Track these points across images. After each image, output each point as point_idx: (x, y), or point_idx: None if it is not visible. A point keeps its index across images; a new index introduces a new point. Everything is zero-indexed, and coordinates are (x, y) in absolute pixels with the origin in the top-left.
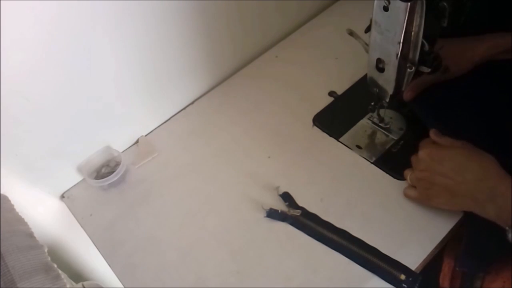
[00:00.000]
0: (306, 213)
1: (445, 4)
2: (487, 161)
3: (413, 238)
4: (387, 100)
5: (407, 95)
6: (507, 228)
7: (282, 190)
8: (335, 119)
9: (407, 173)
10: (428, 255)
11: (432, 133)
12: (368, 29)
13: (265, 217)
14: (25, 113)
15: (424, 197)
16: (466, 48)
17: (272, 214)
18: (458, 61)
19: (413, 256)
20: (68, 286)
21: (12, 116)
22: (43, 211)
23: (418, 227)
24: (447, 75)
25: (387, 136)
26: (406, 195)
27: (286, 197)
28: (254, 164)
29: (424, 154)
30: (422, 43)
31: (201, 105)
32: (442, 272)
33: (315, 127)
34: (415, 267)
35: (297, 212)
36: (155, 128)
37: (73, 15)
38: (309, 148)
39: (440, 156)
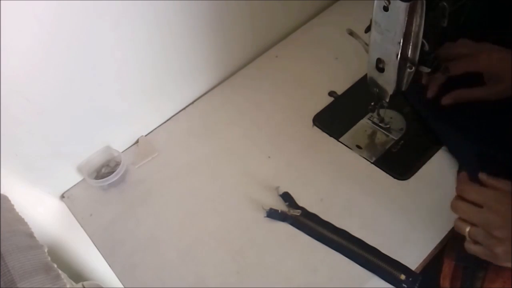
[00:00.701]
0: (306, 213)
1: (445, 4)
2: None
3: (413, 238)
4: (387, 100)
5: (445, 100)
6: None
7: (282, 190)
8: (335, 119)
9: (464, 227)
10: (428, 255)
11: (482, 176)
12: (368, 29)
13: (265, 217)
14: (25, 113)
15: (492, 257)
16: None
17: (272, 214)
18: (507, 74)
19: (413, 256)
20: (68, 286)
21: (12, 116)
22: (43, 211)
23: (418, 227)
24: (497, 92)
25: (387, 136)
26: (473, 252)
27: (286, 197)
28: (254, 164)
29: (501, 206)
30: (422, 43)
31: (201, 105)
32: (442, 272)
33: (315, 127)
34: (415, 267)
35: (297, 212)
36: (155, 128)
37: (73, 15)
38: (309, 148)
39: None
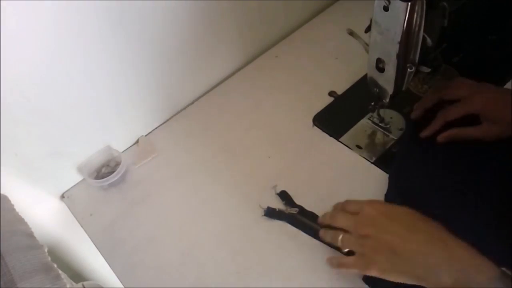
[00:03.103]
0: (303, 211)
1: (445, 4)
2: (435, 224)
3: None
4: (387, 100)
5: (440, 139)
6: None
7: (281, 189)
8: (335, 119)
9: (336, 235)
10: None
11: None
12: (368, 29)
13: (263, 215)
14: (25, 113)
15: (361, 263)
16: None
17: (270, 212)
18: (503, 115)
19: None
20: (68, 286)
21: (12, 116)
22: (43, 211)
23: None
24: (493, 133)
25: (387, 136)
26: (345, 264)
27: (283, 195)
28: (254, 164)
29: (371, 208)
30: (424, 39)
31: (201, 105)
32: None
33: (315, 127)
34: None
35: (294, 210)
36: (155, 128)
37: (73, 15)
38: (309, 148)
39: (389, 211)
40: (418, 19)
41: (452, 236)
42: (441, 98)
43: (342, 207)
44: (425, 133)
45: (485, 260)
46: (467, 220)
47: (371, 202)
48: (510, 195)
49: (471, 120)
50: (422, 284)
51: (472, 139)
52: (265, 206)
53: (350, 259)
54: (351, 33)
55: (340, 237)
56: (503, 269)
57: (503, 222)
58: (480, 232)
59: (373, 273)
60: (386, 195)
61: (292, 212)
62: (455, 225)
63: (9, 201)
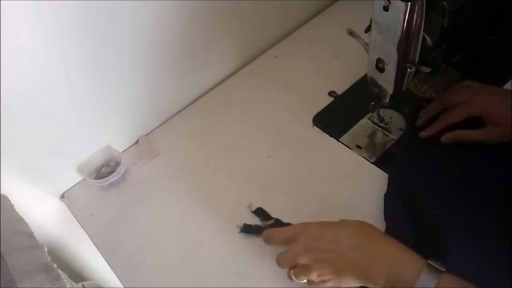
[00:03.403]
0: (279, 223)
1: (445, 4)
2: (359, 227)
3: None
4: (387, 100)
5: (444, 139)
6: None
7: (257, 206)
8: (335, 119)
9: (290, 274)
10: None
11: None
12: (368, 29)
13: (239, 232)
14: (25, 113)
15: (312, 275)
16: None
17: (247, 229)
18: (505, 117)
19: None
20: (68, 286)
21: (12, 116)
22: (43, 211)
23: None
24: (496, 136)
25: (387, 136)
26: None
27: (259, 213)
28: (254, 164)
29: (301, 235)
30: (424, 39)
31: (201, 105)
32: None
33: (315, 127)
34: None
35: (271, 221)
36: (155, 128)
37: (72, 15)
38: (309, 148)
39: (316, 230)
40: (418, 19)
41: (380, 235)
42: (444, 105)
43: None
44: (425, 134)
45: (412, 255)
46: (466, 220)
47: (292, 231)
48: (510, 197)
49: (474, 123)
50: (366, 285)
51: (475, 141)
52: (241, 224)
53: (301, 270)
54: (351, 33)
55: (291, 273)
56: (430, 261)
57: (503, 223)
58: (479, 232)
59: (329, 285)
60: (385, 195)
61: (269, 223)
62: (455, 225)
63: (9, 201)
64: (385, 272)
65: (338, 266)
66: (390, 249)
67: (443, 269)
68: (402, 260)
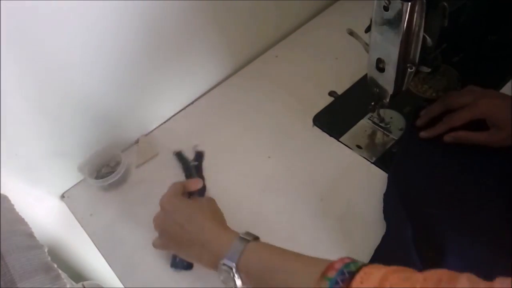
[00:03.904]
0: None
1: (445, 4)
2: (197, 208)
3: None
4: (387, 100)
5: (447, 138)
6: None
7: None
8: (335, 119)
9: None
10: None
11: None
12: (368, 29)
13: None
14: (25, 113)
15: (163, 246)
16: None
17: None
18: (509, 122)
19: None
20: (68, 286)
21: (12, 116)
22: (43, 211)
23: None
24: (499, 139)
25: (387, 136)
26: (156, 246)
27: (199, 156)
28: (254, 164)
29: (164, 203)
30: (425, 39)
31: (201, 105)
32: None
33: (315, 127)
34: None
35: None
36: (155, 128)
37: (72, 14)
38: (309, 148)
39: (176, 206)
40: (418, 19)
41: (208, 220)
42: (447, 107)
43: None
44: (426, 134)
45: (227, 235)
46: (465, 220)
47: (163, 200)
48: (509, 197)
49: (477, 125)
50: (199, 263)
51: (477, 143)
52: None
53: (158, 241)
54: (351, 33)
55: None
56: (242, 234)
57: (502, 223)
58: (478, 232)
59: (171, 251)
60: (385, 195)
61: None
62: (454, 225)
63: (9, 201)
64: (209, 253)
65: (177, 243)
66: (212, 231)
67: (250, 239)
68: (220, 239)
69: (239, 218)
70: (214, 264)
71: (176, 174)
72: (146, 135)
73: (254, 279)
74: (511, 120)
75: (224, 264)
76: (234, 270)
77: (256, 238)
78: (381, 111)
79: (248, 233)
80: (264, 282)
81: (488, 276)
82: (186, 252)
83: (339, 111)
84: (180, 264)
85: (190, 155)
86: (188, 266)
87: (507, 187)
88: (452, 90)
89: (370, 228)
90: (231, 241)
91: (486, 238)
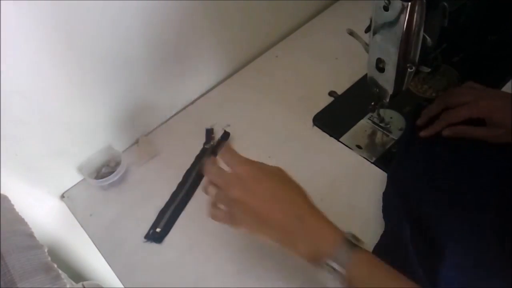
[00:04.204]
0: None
1: (445, 4)
2: (298, 191)
3: None
4: (387, 100)
5: (446, 132)
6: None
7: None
8: (335, 119)
9: (212, 190)
10: None
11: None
12: (368, 29)
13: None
14: (25, 113)
15: (232, 221)
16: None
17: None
18: (508, 121)
19: None
20: (68, 286)
21: (12, 116)
22: (43, 211)
23: None
24: (497, 135)
25: (387, 136)
26: (213, 216)
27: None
28: None
29: (241, 170)
30: (425, 39)
31: (201, 105)
32: None
33: (315, 127)
34: None
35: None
36: (155, 128)
37: (72, 14)
38: (309, 148)
39: (259, 176)
40: (418, 19)
41: (310, 206)
42: (446, 105)
43: (218, 158)
44: (425, 133)
45: (332, 230)
46: (464, 220)
47: (242, 163)
48: (508, 198)
49: (474, 123)
50: (284, 247)
51: (475, 138)
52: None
53: (221, 213)
54: (351, 33)
55: (214, 192)
56: (348, 236)
57: (501, 224)
58: (477, 233)
59: (241, 231)
60: (384, 194)
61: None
62: (452, 225)
63: (9, 201)
64: (308, 244)
65: (264, 220)
66: (315, 222)
67: (361, 246)
68: (322, 234)
69: None
70: (312, 257)
71: (176, 174)
72: (146, 135)
73: None
74: (511, 119)
75: (328, 265)
76: (342, 276)
77: (358, 241)
78: (381, 111)
79: (353, 236)
80: None
81: (488, 276)
82: (271, 233)
83: (339, 111)
84: (152, 237)
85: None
86: (159, 239)
87: (506, 187)
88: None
89: (370, 228)
90: (337, 241)
91: (485, 239)
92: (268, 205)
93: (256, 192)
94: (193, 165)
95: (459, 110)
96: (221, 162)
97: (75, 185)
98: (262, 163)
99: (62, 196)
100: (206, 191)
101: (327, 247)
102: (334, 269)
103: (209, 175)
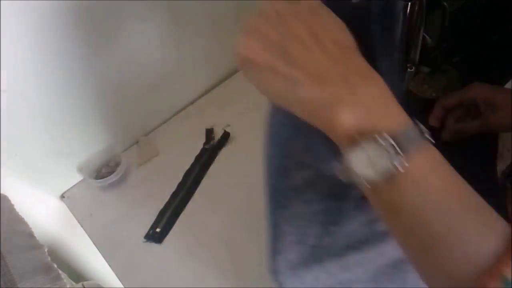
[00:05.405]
0: None
1: (445, 4)
2: (351, 37)
3: None
4: None
5: (445, 137)
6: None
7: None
8: None
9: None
10: None
11: None
12: None
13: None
14: (25, 113)
15: (259, 57)
16: None
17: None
18: (501, 99)
19: None
20: (68, 286)
21: (12, 116)
22: (43, 211)
23: None
24: (493, 122)
25: None
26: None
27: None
28: (255, 164)
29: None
30: (425, 39)
31: (201, 105)
32: None
33: None
34: None
35: None
36: (155, 128)
37: (72, 15)
38: None
39: (300, 10)
40: (418, 19)
41: (369, 67)
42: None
43: None
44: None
45: (398, 110)
46: None
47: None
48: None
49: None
50: (315, 124)
51: (476, 132)
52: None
53: (246, 49)
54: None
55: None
56: (416, 124)
57: None
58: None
59: (258, 84)
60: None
61: None
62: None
63: (9, 201)
64: (357, 116)
65: (316, 66)
66: (375, 90)
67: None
68: (383, 109)
69: (239, 217)
70: (356, 128)
71: (176, 174)
72: (146, 135)
73: (408, 195)
74: (509, 96)
75: (385, 140)
76: (398, 159)
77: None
78: None
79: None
80: (420, 210)
81: None
82: (295, 86)
83: None
84: (152, 237)
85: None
86: (159, 239)
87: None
88: (452, 90)
89: None
90: (403, 118)
91: None
92: (311, 45)
93: (297, 31)
94: (193, 165)
95: (450, 95)
96: None
97: (75, 185)
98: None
99: (62, 196)
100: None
101: (387, 121)
102: (392, 145)
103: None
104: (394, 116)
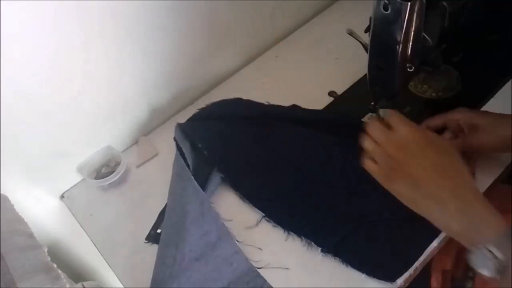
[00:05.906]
0: None
1: (445, 4)
2: (463, 170)
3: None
4: (387, 100)
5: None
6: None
7: None
8: None
9: (369, 144)
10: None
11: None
12: (368, 29)
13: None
14: (25, 113)
15: (385, 178)
16: (500, 124)
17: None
18: (490, 134)
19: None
20: (68, 286)
21: (12, 116)
22: (43, 211)
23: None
24: (475, 142)
25: None
26: (368, 168)
27: None
28: None
29: (407, 131)
30: (425, 39)
31: (201, 105)
32: (431, 286)
33: None
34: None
35: None
36: (155, 128)
37: (73, 14)
38: None
39: (425, 141)
40: (418, 19)
41: (473, 188)
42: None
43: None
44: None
45: (496, 216)
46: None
47: (409, 125)
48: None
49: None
50: (431, 221)
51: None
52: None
53: (375, 167)
54: (351, 33)
55: (371, 147)
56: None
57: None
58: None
59: (390, 190)
60: None
61: None
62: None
63: (9, 201)
64: (465, 224)
65: (418, 185)
66: (478, 204)
67: None
68: (484, 219)
69: (239, 217)
70: (465, 238)
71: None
72: (146, 135)
73: None
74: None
75: (487, 249)
76: (500, 262)
77: None
78: (381, 111)
79: None
80: None
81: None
82: (420, 201)
83: (339, 111)
84: (153, 238)
85: None
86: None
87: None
88: (452, 90)
89: None
90: (501, 227)
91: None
92: (429, 175)
93: (416, 156)
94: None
95: (435, 116)
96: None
97: (75, 185)
98: (432, 133)
99: (62, 196)
100: (363, 144)
101: (488, 231)
102: (493, 254)
103: (372, 130)
104: (491, 226)
